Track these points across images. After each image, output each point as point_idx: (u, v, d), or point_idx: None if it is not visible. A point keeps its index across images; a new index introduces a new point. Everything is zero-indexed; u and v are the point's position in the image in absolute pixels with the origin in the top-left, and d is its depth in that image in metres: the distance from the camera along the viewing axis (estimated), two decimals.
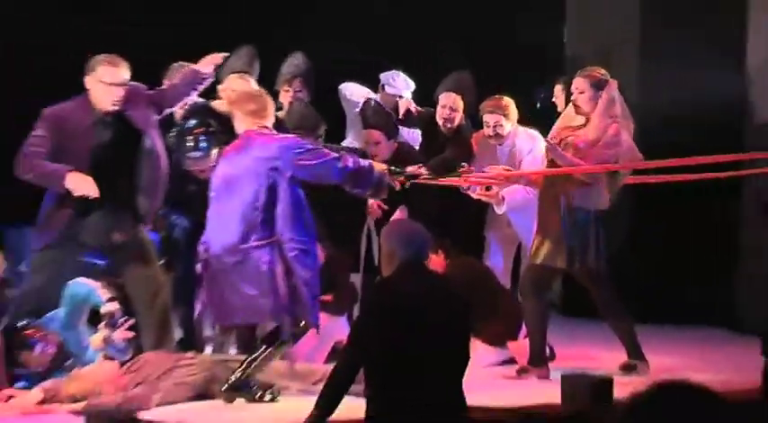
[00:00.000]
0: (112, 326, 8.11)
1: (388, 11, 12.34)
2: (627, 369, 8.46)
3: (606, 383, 7.34)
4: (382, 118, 9.45)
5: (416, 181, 8.13)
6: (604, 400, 7.18)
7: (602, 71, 8.49)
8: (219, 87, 8.95)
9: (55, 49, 10.64)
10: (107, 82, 7.92)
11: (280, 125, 8.44)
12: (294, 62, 9.67)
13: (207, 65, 8.38)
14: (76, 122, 7.91)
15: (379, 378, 5.87)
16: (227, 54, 8.66)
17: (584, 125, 8.42)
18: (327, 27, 11.55)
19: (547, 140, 8.44)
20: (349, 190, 7.70)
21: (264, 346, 7.63)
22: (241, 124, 7.80)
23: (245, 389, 7.59)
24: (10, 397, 7.53)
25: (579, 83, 8.45)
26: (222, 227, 7.60)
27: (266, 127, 7.72)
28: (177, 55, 8.84)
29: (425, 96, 9.99)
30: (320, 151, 7.60)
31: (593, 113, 8.38)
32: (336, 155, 7.62)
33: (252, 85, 8.86)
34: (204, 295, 7.89)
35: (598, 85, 8.39)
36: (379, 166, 7.74)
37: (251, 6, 12.16)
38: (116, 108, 7.97)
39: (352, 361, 5.98)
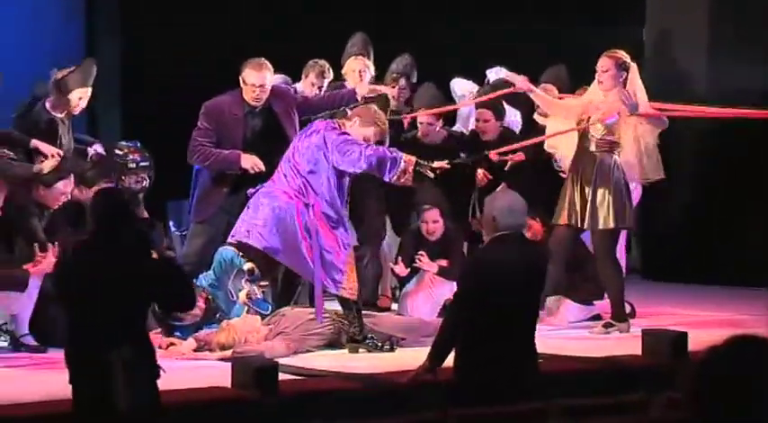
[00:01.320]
0: (253, 281, 8.12)
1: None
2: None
3: (682, 338, 7.23)
4: (493, 101, 9.42)
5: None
6: (681, 353, 7.08)
7: (626, 54, 8.30)
8: (343, 71, 9.08)
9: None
10: (249, 82, 8.07)
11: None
12: (402, 62, 9.65)
13: (369, 90, 8.49)
14: (231, 113, 8.14)
15: (475, 333, 5.84)
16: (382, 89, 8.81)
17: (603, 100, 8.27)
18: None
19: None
20: (377, 176, 7.76)
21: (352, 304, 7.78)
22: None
23: (365, 341, 7.62)
24: (169, 344, 7.61)
25: (605, 62, 8.23)
26: (278, 177, 7.76)
27: (335, 122, 7.85)
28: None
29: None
30: (352, 144, 7.64)
31: (613, 90, 8.17)
32: (364, 146, 7.64)
33: (367, 64, 9.00)
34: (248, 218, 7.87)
35: (622, 67, 8.22)
36: (408, 158, 7.71)
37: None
38: (259, 104, 8.10)
39: (456, 319, 5.96)
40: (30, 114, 8.35)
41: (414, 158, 7.77)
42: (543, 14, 12.38)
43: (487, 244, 6.04)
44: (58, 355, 7.05)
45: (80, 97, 8.33)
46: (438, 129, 9.29)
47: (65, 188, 7.91)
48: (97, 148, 8.72)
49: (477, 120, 9.42)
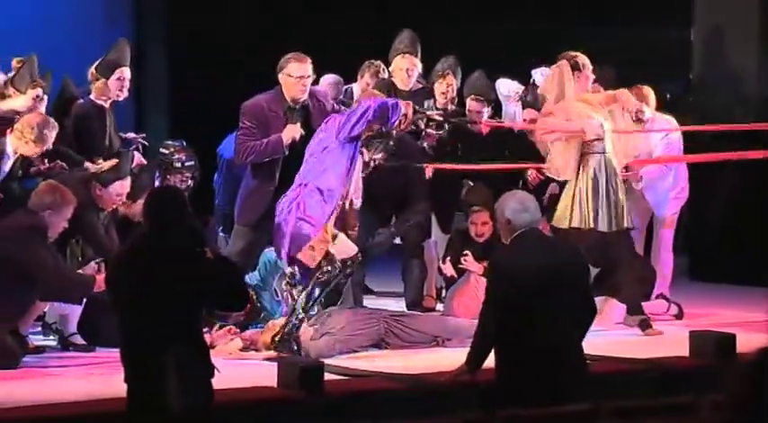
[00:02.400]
0: (293, 285, 8.15)
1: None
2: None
3: (730, 339, 7.20)
4: (538, 101, 9.44)
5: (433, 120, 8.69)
6: (728, 355, 7.05)
7: None
8: (390, 68, 9.12)
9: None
10: (294, 75, 8.11)
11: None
12: (447, 61, 9.67)
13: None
14: (271, 111, 8.17)
15: (505, 333, 5.85)
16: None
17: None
18: None
19: None
20: (382, 126, 7.82)
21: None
22: None
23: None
24: (220, 327, 7.61)
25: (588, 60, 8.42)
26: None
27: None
28: None
29: None
30: (353, 111, 7.83)
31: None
32: (366, 101, 7.90)
33: (415, 63, 9.10)
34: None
35: None
36: (407, 103, 7.89)
37: None
38: (303, 97, 8.16)
39: (486, 321, 5.95)
40: (75, 111, 8.43)
41: (411, 103, 7.96)
42: (543, 14, 12.39)
43: (508, 245, 6.04)
44: (105, 354, 7.15)
45: (120, 78, 8.40)
46: (486, 116, 9.34)
47: (121, 189, 7.94)
48: (131, 134, 8.81)
49: (524, 120, 9.44)
